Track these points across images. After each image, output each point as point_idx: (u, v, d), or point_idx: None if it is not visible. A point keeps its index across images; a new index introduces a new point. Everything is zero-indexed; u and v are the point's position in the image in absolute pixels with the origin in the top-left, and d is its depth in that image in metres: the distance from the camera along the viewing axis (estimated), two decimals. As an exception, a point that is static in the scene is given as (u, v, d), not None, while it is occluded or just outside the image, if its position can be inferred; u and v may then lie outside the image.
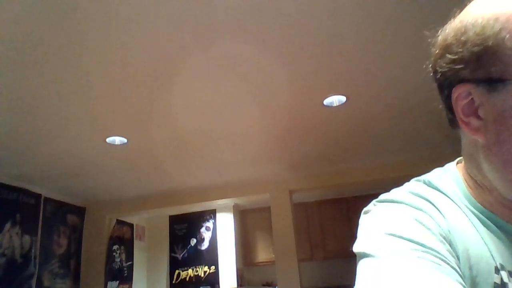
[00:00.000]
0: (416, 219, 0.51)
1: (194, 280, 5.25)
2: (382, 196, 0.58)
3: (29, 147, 3.03)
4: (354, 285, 0.48)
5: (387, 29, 1.97)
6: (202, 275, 5.23)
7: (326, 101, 2.68)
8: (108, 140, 3.02)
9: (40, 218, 3.97)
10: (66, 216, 4.41)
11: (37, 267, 3.84)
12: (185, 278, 5.31)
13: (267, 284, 5.50)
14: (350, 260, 5.36)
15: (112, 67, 2.09)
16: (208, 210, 5.39)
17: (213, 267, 5.21)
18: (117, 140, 3.04)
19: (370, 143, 3.59)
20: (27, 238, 3.75)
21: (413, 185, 0.59)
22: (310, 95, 2.58)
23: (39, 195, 4.00)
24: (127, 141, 3.07)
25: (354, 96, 2.64)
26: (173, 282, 5.35)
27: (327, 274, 5.60)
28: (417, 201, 0.54)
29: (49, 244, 4.06)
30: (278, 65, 2.21)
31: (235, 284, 5.05)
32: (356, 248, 0.52)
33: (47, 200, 4.11)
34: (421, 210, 0.52)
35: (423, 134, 3.45)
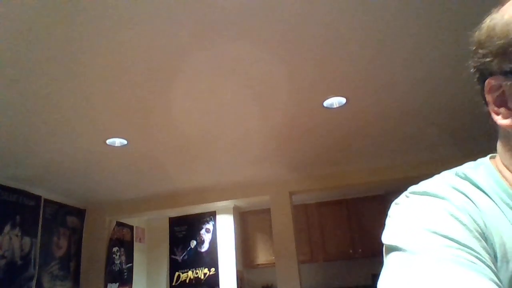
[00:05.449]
0: (451, 214, 0.50)
1: (194, 282, 5.24)
2: (414, 188, 0.57)
3: (29, 149, 3.03)
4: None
5: (387, 31, 1.97)
6: (202, 277, 5.22)
7: (326, 103, 2.69)
8: (108, 141, 3.02)
9: (40, 220, 3.97)
10: (66, 218, 4.41)
11: (37, 269, 3.83)
12: (185, 280, 5.30)
13: (267, 286, 5.49)
14: (350, 262, 5.33)
15: (112, 68, 2.09)
16: (208, 212, 5.38)
17: (213, 269, 5.20)
18: (117, 141, 3.04)
19: (370, 144, 3.59)
20: (27, 240, 3.74)
21: (446, 177, 0.58)
22: (310, 96, 2.59)
23: (39, 197, 3.99)
24: (127, 142, 3.07)
25: (354, 98, 2.64)
26: (173, 284, 5.34)
27: (327, 276, 5.58)
28: (452, 194, 0.53)
29: (49, 246, 4.06)
30: (278, 66, 2.21)
31: (235, 286, 5.04)
32: (386, 240, 0.51)
33: (47, 202, 4.11)
34: (456, 204, 0.51)
35: (423, 135, 3.45)
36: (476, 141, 3.51)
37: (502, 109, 0.53)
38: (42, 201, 4.03)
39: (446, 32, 1.98)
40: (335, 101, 2.68)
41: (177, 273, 5.36)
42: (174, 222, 5.58)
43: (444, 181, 0.56)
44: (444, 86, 2.57)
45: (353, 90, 2.54)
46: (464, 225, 0.49)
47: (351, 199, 5.47)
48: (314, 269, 5.60)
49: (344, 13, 1.81)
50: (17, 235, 3.63)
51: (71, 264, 4.40)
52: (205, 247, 5.34)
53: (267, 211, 4.88)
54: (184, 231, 5.51)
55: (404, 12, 1.83)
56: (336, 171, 4.33)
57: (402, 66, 2.30)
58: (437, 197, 0.53)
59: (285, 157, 3.77)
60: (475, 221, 0.50)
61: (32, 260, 3.78)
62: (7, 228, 3.53)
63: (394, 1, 1.76)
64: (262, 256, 5.50)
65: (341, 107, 2.74)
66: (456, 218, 0.49)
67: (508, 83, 0.51)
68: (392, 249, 0.49)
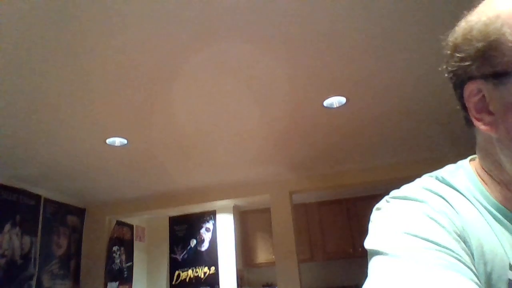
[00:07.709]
0: (430, 217, 0.50)
1: (194, 281, 5.25)
2: (395, 193, 0.57)
3: (29, 148, 3.03)
4: (364, 282, 0.48)
5: (387, 31, 1.97)
6: (202, 276, 5.23)
7: (326, 102, 2.69)
8: (108, 141, 3.02)
9: (40, 219, 3.97)
10: (66, 217, 4.41)
11: (37, 268, 3.83)
12: (185, 279, 5.30)
13: (267, 285, 5.50)
14: (350, 261, 5.33)
15: (112, 68, 2.09)
16: (208, 211, 5.39)
17: (213, 268, 5.21)
18: (117, 141, 3.04)
19: (370, 144, 3.59)
20: (27, 239, 3.74)
21: (426, 181, 0.59)
22: (310, 96, 2.59)
23: (39, 196, 4.00)
24: (127, 142, 3.07)
25: (354, 97, 2.64)
26: (173, 283, 5.34)
27: (327, 275, 5.59)
28: (430, 198, 0.54)
29: (49, 245, 4.06)
30: (278, 66, 2.21)
31: (235, 285, 5.05)
32: (368, 244, 0.52)
33: (47, 201, 4.11)
34: (435, 207, 0.52)
35: (423, 135, 3.45)
36: (475, 141, 3.51)
37: (483, 115, 0.52)
38: (42, 200, 4.04)
39: (446, 32, 1.98)
40: (335, 101, 2.68)
41: (177, 272, 5.37)
42: (174, 221, 5.59)
43: (423, 184, 0.57)
44: (444, 86, 2.57)
45: (353, 90, 2.54)
46: (444, 227, 0.49)
47: (351, 199, 5.47)
48: (314, 268, 5.61)
49: (344, 13, 1.81)
50: (17, 234, 3.63)
51: (71, 263, 4.41)
52: (205, 246, 5.34)
53: (267, 210, 4.89)
54: (184, 230, 5.51)
55: (404, 12, 1.83)
56: (336, 170, 4.33)
57: (402, 66, 2.31)
58: (416, 200, 0.53)
59: (285, 156, 3.77)
60: (453, 223, 0.50)
61: (32, 259, 3.79)
62: (7, 227, 3.53)
63: (395, 1, 1.76)
64: (262, 255, 5.51)
65: (341, 106, 2.75)
66: (435, 221, 0.50)
67: (489, 87, 0.50)
68: (375, 253, 0.50)
